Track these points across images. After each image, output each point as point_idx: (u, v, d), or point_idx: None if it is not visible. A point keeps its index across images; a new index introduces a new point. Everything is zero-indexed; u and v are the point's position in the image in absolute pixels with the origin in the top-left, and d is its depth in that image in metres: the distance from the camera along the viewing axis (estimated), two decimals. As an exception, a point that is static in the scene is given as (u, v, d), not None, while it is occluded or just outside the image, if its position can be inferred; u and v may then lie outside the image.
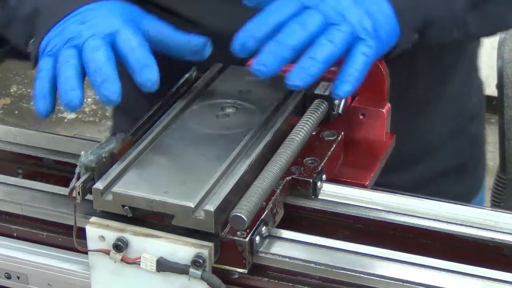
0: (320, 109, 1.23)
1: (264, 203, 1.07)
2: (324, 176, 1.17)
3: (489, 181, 1.96)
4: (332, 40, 1.11)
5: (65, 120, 4.14)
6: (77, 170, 1.09)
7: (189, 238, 1.03)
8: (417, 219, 1.13)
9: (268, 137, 1.16)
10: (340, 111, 1.26)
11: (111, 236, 1.04)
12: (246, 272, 1.05)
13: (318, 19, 1.12)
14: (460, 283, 1.02)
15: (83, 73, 1.14)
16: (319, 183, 1.16)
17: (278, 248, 1.07)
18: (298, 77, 1.10)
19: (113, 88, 1.10)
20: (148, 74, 1.11)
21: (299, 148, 1.16)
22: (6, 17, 1.31)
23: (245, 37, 1.12)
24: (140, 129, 1.19)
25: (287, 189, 1.15)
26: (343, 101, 1.26)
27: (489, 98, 1.82)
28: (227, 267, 1.05)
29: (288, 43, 1.11)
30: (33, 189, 1.19)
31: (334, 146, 1.21)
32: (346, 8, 1.13)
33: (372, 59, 1.15)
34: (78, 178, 1.08)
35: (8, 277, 1.17)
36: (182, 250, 1.02)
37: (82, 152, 1.10)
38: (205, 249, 1.02)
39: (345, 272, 1.04)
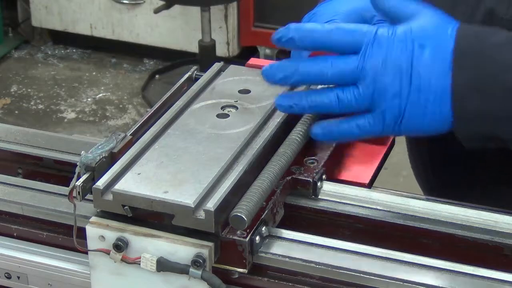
0: (320, 109, 1.23)
1: (264, 203, 1.07)
2: (324, 176, 1.17)
3: None
4: (339, 97, 1.11)
5: (65, 120, 4.14)
6: (77, 170, 1.09)
7: (189, 238, 1.03)
8: (417, 219, 1.12)
9: (268, 137, 1.16)
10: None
11: (111, 236, 1.04)
12: (246, 272, 1.05)
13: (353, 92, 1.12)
14: (460, 283, 1.02)
15: None
16: (319, 183, 1.16)
17: (278, 248, 1.07)
18: (284, 100, 1.15)
19: None
20: None
21: (299, 148, 1.16)
22: None
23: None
24: (140, 128, 1.19)
25: (287, 189, 1.15)
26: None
27: None
28: (227, 267, 1.05)
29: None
30: (33, 189, 1.19)
31: (334, 146, 1.21)
32: (383, 89, 1.10)
33: (365, 134, 1.13)
34: (78, 178, 1.07)
35: (8, 277, 1.17)
36: (182, 250, 1.02)
37: (82, 152, 1.10)
38: (205, 249, 1.02)
39: (345, 272, 1.04)
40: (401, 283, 1.02)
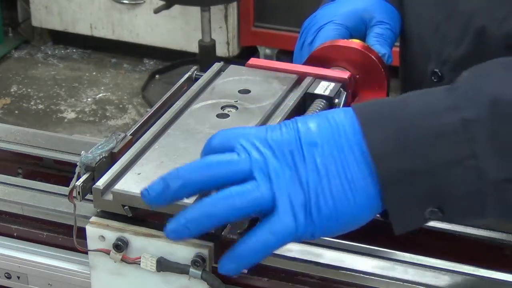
0: (320, 109, 1.23)
1: (264, 203, 1.07)
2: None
3: None
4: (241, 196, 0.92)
5: (65, 120, 4.14)
6: (77, 170, 1.08)
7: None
8: (417, 219, 1.12)
9: (268, 137, 1.16)
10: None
11: (111, 236, 1.04)
12: (246, 272, 1.05)
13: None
14: (460, 283, 1.02)
15: None
16: (319, 183, 1.15)
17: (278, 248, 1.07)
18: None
19: None
20: None
21: (299, 148, 1.16)
22: None
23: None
24: (140, 128, 1.19)
25: (287, 189, 1.14)
26: (343, 100, 1.26)
27: None
28: (227, 267, 1.05)
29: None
30: (33, 189, 1.19)
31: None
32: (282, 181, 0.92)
33: (281, 237, 0.92)
34: (78, 178, 1.07)
35: (8, 277, 1.17)
36: (182, 250, 1.02)
37: (82, 152, 1.10)
38: (205, 249, 1.02)
39: (345, 272, 1.04)
40: (401, 283, 1.02)
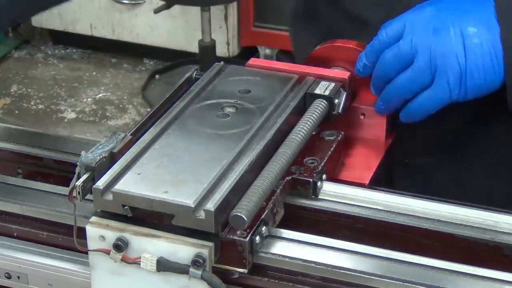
0: (320, 109, 1.23)
1: (264, 203, 1.07)
2: (324, 176, 1.17)
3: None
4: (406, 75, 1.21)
5: (65, 120, 4.14)
6: (77, 170, 1.09)
7: (189, 238, 1.03)
8: (417, 219, 1.13)
9: (268, 137, 1.16)
10: (340, 110, 1.26)
11: (111, 236, 1.04)
12: (246, 272, 1.05)
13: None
14: (460, 283, 1.02)
15: None
16: (319, 183, 1.16)
17: (278, 248, 1.07)
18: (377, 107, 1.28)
19: None
20: None
21: (300, 148, 1.16)
22: None
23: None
24: (140, 128, 1.19)
25: (287, 189, 1.15)
26: (343, 101, 1.26)
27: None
28: (227, 267, 1.05)
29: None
30: (33, 189, 1.19)
31: (334, 146, 1.22)
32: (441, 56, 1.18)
33: (435, 102, 1.20)
34: (78, 178, 1.08)
35: (8, 277, 1.17)
36: (182, 250, 1.02)
37: (82, 152, 1.10)
38: (205, 249, 1.02)
39: (345, 272, 1.04)
40: (401, 283, 1.02)
